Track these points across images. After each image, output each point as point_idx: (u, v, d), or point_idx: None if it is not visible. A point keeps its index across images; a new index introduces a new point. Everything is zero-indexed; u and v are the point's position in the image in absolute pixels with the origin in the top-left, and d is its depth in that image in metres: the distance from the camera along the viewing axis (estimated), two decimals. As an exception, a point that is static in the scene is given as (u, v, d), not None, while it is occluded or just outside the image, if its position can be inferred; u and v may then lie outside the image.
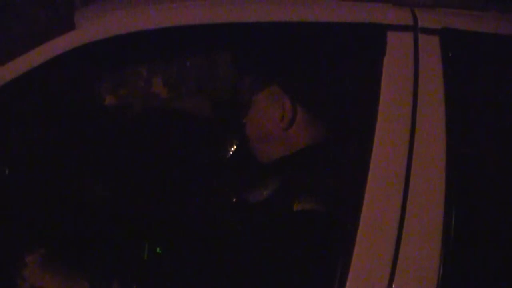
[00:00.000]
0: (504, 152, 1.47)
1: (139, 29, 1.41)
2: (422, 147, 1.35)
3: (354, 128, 1.50)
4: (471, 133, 1.47)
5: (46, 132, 1.89)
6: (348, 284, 1.30)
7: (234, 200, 1.61)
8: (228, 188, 1.70)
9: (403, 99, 1.38)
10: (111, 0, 1.72)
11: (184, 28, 1.45)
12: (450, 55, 1.41)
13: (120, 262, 1.71)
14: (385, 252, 1.31)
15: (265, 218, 1.43)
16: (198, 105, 2.50)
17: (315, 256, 1.34)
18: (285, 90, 1.54)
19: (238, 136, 1.91)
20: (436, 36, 1.42)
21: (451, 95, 1.38)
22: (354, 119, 1.52)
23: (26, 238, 1.60)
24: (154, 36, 1.44)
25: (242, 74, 1.71)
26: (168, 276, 1.58)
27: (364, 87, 1.47)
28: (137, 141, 2.28)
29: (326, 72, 1.57)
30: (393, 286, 1.30)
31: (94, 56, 1.40)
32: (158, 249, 1.79)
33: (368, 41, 1.46)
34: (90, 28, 1.41)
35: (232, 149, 1.96)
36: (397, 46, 1.42)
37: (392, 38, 1.42)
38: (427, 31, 1.43)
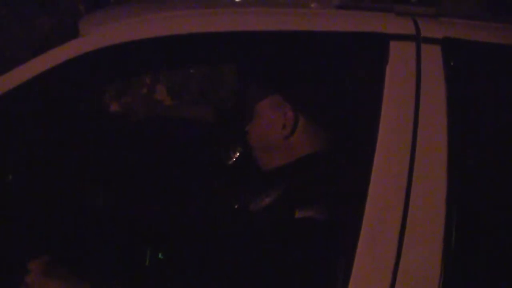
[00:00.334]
0: (505, 160, 1.47)
1: (142, 37, 1.42)
2: (424, 155, 1.35)
3: (356, 137, 1.51)
4: (473, 142, 1.47)
5: (50, 138, 1.89)
6: (350, 288, 1.31)
7: (236, 206, 1.62)
8: (230, 195, 1.71)
9: (405, 108, 1.38)
10: (115, 8, 1.73)
11: (187, 36, 1.46)
12: (452, 64, 1.41)
13: (122, 267, 1.72)
14: (387, 258, 1.31)
15: (266, 225, 1.43)
16: (201, 113, 2.51)
17: (316, 263, 1.35)
18: (287, 99, 1.55)
19: (240, 144, 1.92)
20: (438, 45, 1.43)
21: (453, 104, 1.38)
22: (357, 128, 1.53)
23: (29, 243, 1.61)
24: (157, 44, 1.46)
25: (244, 82, 1.72)
26: (170, 281, 1.58)
27: (366, 96, 1.48)
28: (140, 147, 2.29)
29: (328, 81, 1.57)
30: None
31: (98, 64, 1.41)
32: (160, 255, 1.80)
33: (370, 50, 1.47)
34: (94, 36, 1.42)
35: (235, 156, 1.97)
36: (399, 55, 1.42)
37: (394, 47, 1.42)
38: (429, 40, 1.43)
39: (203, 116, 2.63)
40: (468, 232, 1.36)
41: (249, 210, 1.53)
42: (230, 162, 1.98)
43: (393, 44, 1.42)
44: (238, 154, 1.96)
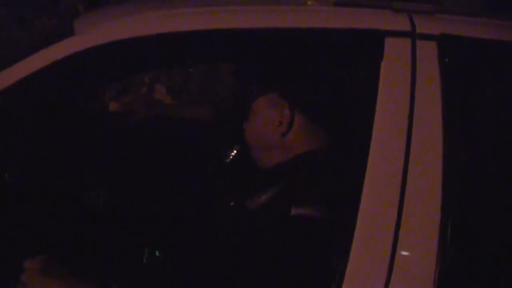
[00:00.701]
0: (500, 156, 1.47)
1: (138, 35, 1.42)
2: (419, 152, 1.35)
3: (351, 134, 1.51)
4: (468, 138, 1.47)
5: (48, 137, 1.90)
6: (344, 287, 1.30)
7: (232, 204, 1.62)
8: (227, 193, 1.71)
9: (401, 105, 1.38)
10: (111, 7, 1.73)
11: (183, 34, 1.46)
12: (447, 60, 1.41)
13: (120, 265, 1.72)
14: (382, 255, 1.31)
15: (263, 222, 1.43)
16: (200, 112, 2.51)
17: (311, 260, 1.34)
18: (283, 97, 1.55)
19: (238, 142, 1.92)
20: (433, 42, 1.43)
21: (448, 100, 1.37)
22: (352, 125, 1.53)
23: (27, 242, 1.61)
24: (153, 42, 1.46)
25: (241, 80, 1.73)
26: (167, 279, 1.59)
27: (361, 92, 1.48)
28: (139, 146, 2.29)
29: (324, 78, 1.57)
30: (390, 288, 1.30)
31: (93, 62, 1.41)
32: (157, 253, 1.80)
33: (366, 47, 1.46)
34: (89, 34, 1.42)
35: (232, 154, 1.97)
36: (395, 51, 1.42)
37: (390, 44, 1.42)
38: (425, 37, 1.43)
39: (202, 115, 2.64)
40: (463, 229, 1.36)
41: (245, 208, 1.53)
42: (228, 161, 1.99)
43: (388, 41, 1.42)
44: (235, 152, 1.97)
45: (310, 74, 1.57)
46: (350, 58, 1.53)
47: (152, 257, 1.79)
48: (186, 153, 2.29)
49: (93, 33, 1.42)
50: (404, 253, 1.31)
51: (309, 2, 1.63)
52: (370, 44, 1.44)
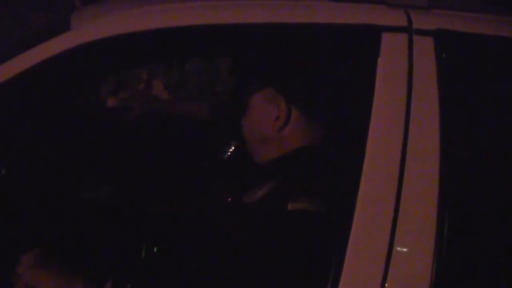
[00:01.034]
0: (497, 152, 1.47)
1: (134, 30, 1.42)
2: (416, 147, 1.35)
3: (348, 129, 1.51)
4: (464, 134, 1.47)
5: (44, 132, 1.89)
6: (340, 284, 1.30)
7: (229, 200, 1.62)
8: (224, 188, 1.71)
9: (397, 100, 1.38)
10: (107, 2, 1.73)
11: (180, 29, 1.46)
12: (444, 56, 1.41)
13: (117, 261, 1.72)
14: (378, 251, 1.31)
15: (258, 218, 1.43)
16: (197, 108, 2.50)
17: (307, 255, 1.34)
18: (280, 91, 1.55)
19: (236, 137, 1.92)
20: (430, 37, 1.43)
21: (445, 96, 1.37)
22: (349, 120, 1.52)
23: (24, 239, 1.60)
24: (150, 37, 1.45)
25: (239, 76, 1.73)
26: (164, 275, 1.58)
27: (358, 88, 1.47)
28: (136, 142, 2.28)
29: (320, 73, 1.57)
30: (386, 286, 1.30)
31: (89, 57, 1.40)
32: (155, 249, 1.80)
33: (362, 42, 1.46)
34: (85, 29, 1.41)
35: (230, 150, 1.97)
36: (392, 47, 1.42)
37: (386, 39, 1.42)
38: (422, 32, 1.43)
39: (199, 111, 2.63)
40: (460, 226, 1.35)
41: (241, 203, 1.53)
42: (226, 156, 1.98)
43: (385, 36, 1.42)
44: (233, 148, 1.97)
45: (307, 70, 1.57)
46: (346, 53, 1.53)
47: (150, 253, 1.79)
48: (183, 149, 2.29)
49: (89, 28, 1.42)
50: (400, 250, 1.31)
51: (306, -3, 1.63)
52: (367, 40, 1.44)
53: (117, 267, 1.64)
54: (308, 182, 1.45)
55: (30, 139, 1.84)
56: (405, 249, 1.31)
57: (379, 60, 1.40)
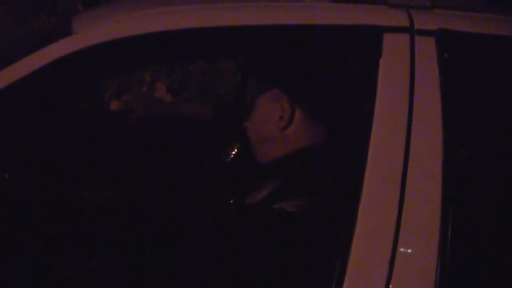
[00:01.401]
0: (500, 152, 1.47)
1: (136, 33, 1.42)
2: (419, 147, 1.35)
3: (351, 129, 1.51)
4: (467, 134, 1.46)
5: (47, 135, 1.89)
6: (345, 284, 1.30)
7: (231, 201, 1.62)
8: (226, 190, 1.71)
9: (400, 100, 1.38)
10: (109, 6, 1.73)
11: (183, 32, 1.46)
12: (446, 56, 1.40)
13: (120, 262, 1.72)
14: (382, 252, 1.31)
15: (260, 220, 1.44)
16: (200, 110, 2.51)
17: (312, 256, 1.35)
18: (284, 92, 1.56)
19: (238, 139, 1.93)
20: (432, 37, 1.42)
21: (447, 96, 1.37)
22: (351, 120, 1.53)
23: (26, 241, 1.60)
24: (154, 40, 1.46)
25: (245, 77, 1.74)
26: (166, 277, 1.59)
27: (360, 88, 1.47)
28: (139, 144, 2.29)
29: (323, 74, 1.58)
30: (390, 287, 1.30)
31: (91, 61, 1.41)
32: (155, 249, 1.80)
33: (364, 43, 1.46)
34: (87, 33, 1.42)
35: (233, 152, 1.97)
36: (394, 47, 1.42)
37: (388, 39, 1.42)
38: (423, 32, 1.43)
39: (202, 113, 2.64)
40: (463, 227, 1.35)
41: (244, 204, 1.53)
42: (229, 157, 1.99)
43: (387, 37, 1.42)
44: (236, 150, 1.97)
45: (310, 70, 1.57)
46: (349, 54, 1.53)
47: (153, 253, 1.79)
48: (186, 151, 2.29)
49: (91, 32, 1.42)
50: (404, 251, 1.31)
51: (307, -1, 1.63)
52: (369, 40, 1.43)
53: (121, 268, 1.64)
54: (311, 182, 1.45)
55: (34, 142, 1.84)
56: (409, 250, 1.31)
57: (381, 61, 1.40)
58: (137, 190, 2.10)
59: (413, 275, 1.31)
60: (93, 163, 2.10)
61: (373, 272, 1.31)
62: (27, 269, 1.53)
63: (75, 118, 2.15)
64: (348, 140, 1.50)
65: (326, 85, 1.58)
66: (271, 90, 1.58)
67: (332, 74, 1.59)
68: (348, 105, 1.57)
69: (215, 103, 3.05)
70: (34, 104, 1.62)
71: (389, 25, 1.44)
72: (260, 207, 1.48)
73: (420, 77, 1.39)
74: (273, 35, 1.50)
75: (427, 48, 1.42)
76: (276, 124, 1.57)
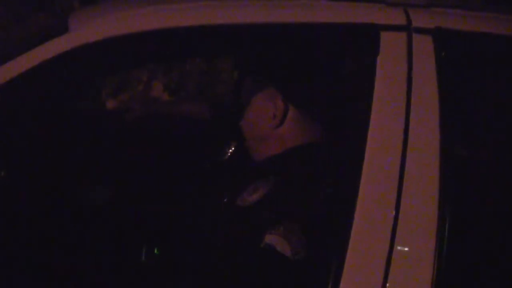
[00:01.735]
0: (498, 151, 1.47)
1: (133, 31, 1.42)
2: (416, 145, 1.34)
3: (348, 128, 1.50)
4: (465, 132, 1.46)
5: (44, 134, 1.89)
6: (341, 284, 1.29)
7: (225, 200, 1.62)
8: (222, 189, 1.71)
9: (397, 98, 1.37)
10: (105, 3, 1.73)
11: (179, 30, 1.46)
12: (443, 54, 1.40)
13: (118, 264, 1.72)
14: (379, 252, 1.30)
15: (255, 221, 1.43)
16: (197, 109, 2.50)
17: (308, 255, 1.34)
18: (279, 90, 1.56)
19: (235, 138, 1.92)
20: (429, 35, 1.42)
21: (444, 94, 1.37)
22: (348, 119, 1.52)
23: (24, 240, 1.60)
24: (149, 38, 1.45)
25: (241, 76, 1.74)
26: (165, 278, 1.59)
27: (358, 86, 1.47)
28: (136, 143, 2.28)
29: (320, 72, 1.57)
30: (387, 285, 1.29)
31: (88, 59, 1.40)
32: (156, 250, 1.80)
33: (362, 41, 1.45)
34: (83, 31, 1.41)
35: (230, 151, 1.97)
36: (391, 45, 1.41)
37: (385, 38, 1.42)
38: (421, 30, 1.43)
39: (199, 112, 2.63)
40: (461, 226, 1.35)
41: (235, 205, 1.53)
42: (225, 157, 1.99)
43: (384, 35, 1.42)
44: (233, 149, 1.97)
45: (306, 69, 1.57)
46: (346, 52, 1.53)
47: (151, 255, 1.79)
48: (183, 150, 2.29)
49: (87, 30, 1.42)
50: (401, 250, 1.30)
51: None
52: (366, 38, 1.43)
53: (120, 270, 1.64)
54: (304, 181, 1.45)
55: (30, 140, 1.84)
56: (406, 249, 1.31)
57: (379, 59, 1.40)
58: (134, 190, 2.09)
59: (410, 274, 1.31)
60: (90, 162, 2.10)
61: (370, 272, 1.30)
62: (26, 269, 1.52)
63: (72, 117, 2.14)
64: (345, 138, 1.50)
65: (323, 83, 1.57)
66: (266, 88, 1.58)
67: (329, 72, 1.59)
68: (345, 104, 1.56)
69: (213, 102, 3.05)
70: (30, 102, 1.62)
71: (387, 23, 1.44)
72: (250, 211, 1.47)
73: (417, 75, 1.39)
74: (270, 34, 1.50)
75: (424, 46, 1.41)
76: (269, 122, 1.57)
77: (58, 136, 1.99)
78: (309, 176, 1.46)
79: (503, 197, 1.41)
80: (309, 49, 1.54)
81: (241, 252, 1.42)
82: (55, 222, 1.77)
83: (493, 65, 1.48)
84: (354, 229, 1.31)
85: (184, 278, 1.51)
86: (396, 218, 1.31)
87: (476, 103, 1.48)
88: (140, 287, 1.64)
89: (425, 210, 1.32)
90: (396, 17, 1.45)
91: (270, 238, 1.37)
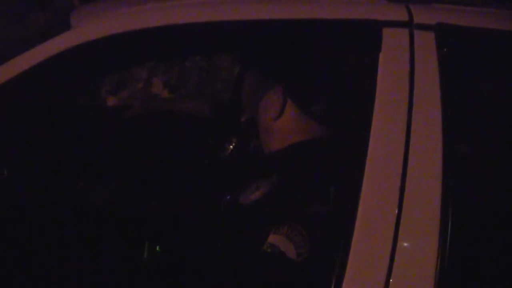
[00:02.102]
0: (499, 147, 1.47)
1: (135, 28, 1.42)
2: (419, 143, 1.34)
3: (350, 124, 1.50)
4: (466, 128, 1.46)
5: (44, 132, 1.89)
6: (344, 282, 1.29)
7: (227, 197, 1.62)
8: (224, 186, 1.71)
9: (400, 94, 1.37)
10: (106, 1, 1.73)
11: (183, 27, 1.46)
12: (445, 50, 1.40)
13: (120, 262, 1.72)
14: (382, 249, 1.30)
15: (258, 219, 1.43)
16: (197, 106, 2.51)
17: (309, 256, 1.35)
18: (279, 83, 1.57)
19: (237, 135, 1.93)
20: (431, 31, 1.42)
21: (446, 90, 1.37)
22: (351, 115, 1.53)
23: (25, 240, 1.60)
24: (152, 35, 1.45)
25: (243, 72, 1.74)
26: (166, 277, 1.59)
27: (360, 83, 1.47)
28: (136, 141, 2.29)
29: (321, 68, 1.58)
30: (391, 281, 1.29)
31: (90, 56, 1.40)
32: (157, 248, 1.80)
33: (364, 37, 1.46)
34: (85, 28, 1.42)
35: (231, 147, 1.97)
36: (393, 42, 1.42)
37: (388, 34, 1.42)
38: (422, 26, 1.43)
39: (199, 109, 2.63)
40: (463, 224, 1.34)
41: (237, 203, 1.53)
42: (226, 154, 1.99)
43: (386, 31, 1.42)
44: (233, 146, 1.97)
45: (308, 65, 1.57)
46: (348, 48, 1.53)
47: (153, 252, 1.79)
48: (183, 148, 2.29)
49: (90, 27, 1.42)
50: (404, 247, 1.30)
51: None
52: (369, 34, 1.44)
53: (121, 269, 1.64)
54: (306, 177, 1.45)
55: (30, 139, 1.84)
56: (409, 247, 1.31)
57: (381, 55, 1.40)
58: (135, 188, 2.10)
59: (413, 271, 1.30)
60: (90, 160, 2.10)
61: (373, 269, 1.30)
62: (27, 269, 1.52)
63: (71, 115, 2.14)
64: (347, 135, 1.50)
65: (324, 79, 1.57)
66: (270, 82, 1.59)
67: (332, 68, 1.59)
68: (347, 99, 1.56)
69: (213, 99, 3.06)
70: (30, 100, 1.62)
71: (389, 19, 1.44)
72: (258, 205, 1.47)
73: (419, 70, 1.39)
74: (273, 30, 1.50)
75: (426, 42, 1.42)
76: (269, 114, 1.58)
77: (58, 135, 1.99)
78: (310, 174, 1.46)
79: (506, 195, 1.41)
80: (312, 46, 1.54)
81: (244, 252, 1.42)
82: (55, 221, 1.78)
83: (495, 61, 1.48)
84: (356, 230, 1.31)
85: (186, 277, 1.51)
86: (399, 216, 1.31)
87: (478, 99, 1.49)
88: (141, 287, 1.65)
89: (428, 210, 1.32)
90: (398, 13, 1.45)
91: (273, 238, 1.37)
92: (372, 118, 1.36)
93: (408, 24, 1.43)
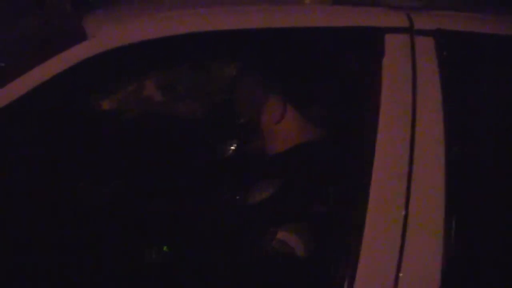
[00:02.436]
0: (501, 150, 1.52)
1: (158, 36, 1.45)
2: (423, 146, 1.39)
3: (356, 129, 1.53)
4: (468, 129, 1.51)
5: (44, 134, 1.88)
6: (356, 283, 1.33)
7: (237, 197, 1.65)
8: (225, 188, 1.74)
9: (403, 97, 1.43)
10: (115, 7, 1.73)
11: (198, 35, 1.49)
12: (444, 54, 1.46)
13: (121, 264, 1.73)
14: (391, 250, 1.35)
15: (265, 219, 1.48)
16: (193, 108, 2.51)
17: (318, 258, 1.39)
18: (284, 90, 1.62)
19: (235, 136, 1.95)
20: (430, 37, 1.48)
21: (447, 92, 1.42)
22: (356, 118, 1.56)
23: (28, 241, 1.61)
24: (170, 43, 1.48)
25: (242, 76, 1.77)
26: (170, 277, 1.61)
27: (364, 87, 1.51)
28: (134, 144, 2.29)
29: (326, 76, 1.63)
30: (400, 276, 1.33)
31: (111, 64, 1.42)
32: (165, 248, 1.82)
33: (367, 44, 1.51)
34: (107, 36, 1.44)
35: (232, 148, 1.99)
36: (395, 47, 1.47)
37: (390, 40, 1.48)
38: (422, 32, 1.49)
39: (196, 111, 2.64)
40: (468, 227, 1.39)
41: (245, 204, 1.57)
42: (227, 156, 2.01)
43: (388, 37, 1.48)
44: (234, 147, 1.99)
45: (312, 72, 1.63)
46: (352, 54, 1.58)
47: (160, 252, 1.80)
48: (184, 148, 2.29)
49: (111, 36, 1.44)
50: (411, 247, 1.34)
51: (307, 1, 1.67)
52: (372, 41, 1.48)
53: (122, 270, 1.65)
54: (311, 179, 1.50)
55: (30, 141, 1.83)
56: (416, 247, 1.35)
57: (384, 60, 1.46)
58: (135, 187, 2.10)
59: (420, 272, 1.35)
60: (90, 162, 2.10)
61: (383, 269, 1.34)
62: (27, 269, 1.53)
63: (70, 118, 2.14)
64: (352, 139, 1.53)
65: (330, 86, 1.63)
66: (272, 86, 1.63)
67: (337, 74, 1.63)
68: (352, 102, 1.60)
69: (208, 100, 3.05)
70: (36, 105, 1.62)
71: (390, 26, 1.49)
72: (264, 206, 1.52)
73: (421, 74, 1.44)
74: (278, 37, 1.54)
75: (426, 47, 1.47)
76: (271, 117, 1.63)
77: (57, 136, 1.99)
78: (312, 175, 1.51)
79: (509, 194, 1.46)
80: (315, 53, 1.59)
81: (248, 251, 1.46)
82: (55, 221, 1.77)
83: (493, 64, 1.54)
84: (366, 228, 1.35)
85: (186, 277, 1.53)
86: (405, 221, 1.35)
87: (478, 101, 1.53)
88: (141, 287, 1.67)
89: (433, 212, 1.37)
90: (399, 20, 1.51)
91: (282, 235, 1.40)
92: (378, 120, 1.41)
93: (409, 30, 1.49)
